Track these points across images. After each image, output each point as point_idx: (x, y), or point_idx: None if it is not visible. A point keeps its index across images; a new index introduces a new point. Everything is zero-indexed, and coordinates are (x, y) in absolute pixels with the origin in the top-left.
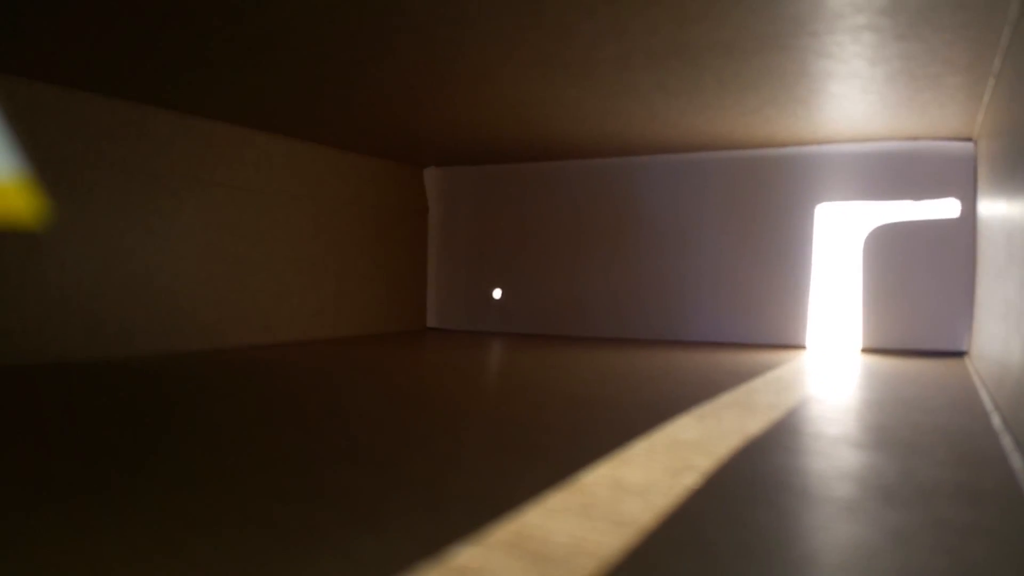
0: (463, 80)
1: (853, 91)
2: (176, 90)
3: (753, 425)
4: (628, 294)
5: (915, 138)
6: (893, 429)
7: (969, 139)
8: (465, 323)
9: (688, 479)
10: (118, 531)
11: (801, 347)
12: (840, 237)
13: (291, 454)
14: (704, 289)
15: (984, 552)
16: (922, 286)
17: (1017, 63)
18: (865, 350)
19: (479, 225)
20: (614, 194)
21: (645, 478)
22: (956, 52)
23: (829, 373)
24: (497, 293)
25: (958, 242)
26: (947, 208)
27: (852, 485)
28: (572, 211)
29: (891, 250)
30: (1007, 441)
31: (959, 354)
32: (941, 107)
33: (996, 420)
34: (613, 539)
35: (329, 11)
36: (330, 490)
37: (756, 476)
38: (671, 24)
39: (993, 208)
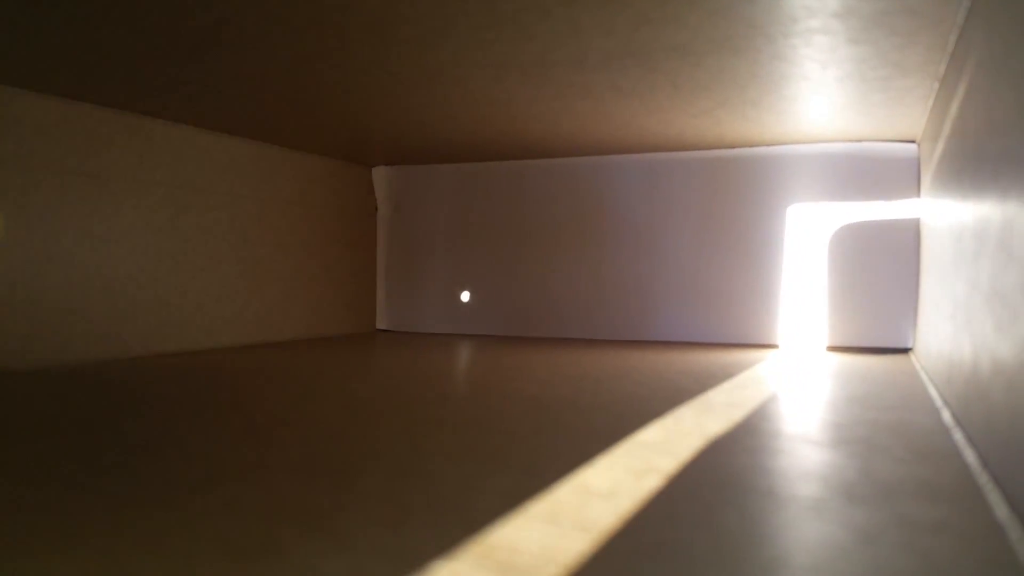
0: (415, 79)
1: (803, 93)
2: (114, 87)
3: (713, 425)
4: (588, 294)
5: (860, 140)
6: (850, 426)
7: (912, 141)
8: (416, 325)
9: (652, 481)
10: (63, 553)
11: (772, 346)
12: (797, 237)
13: (242, 466)
14: (668, 288)
15: (950, 549)
16: (872, 285)
17: (961, 67)
18: (830, 348)
19: (430, 225)
20: (572, 194)
21: (609, 481)
22: (906, 55)
23: (786, 372)
24: (465, 296)
25: (902, 242)
26: (891, 209)
27: (815, 484)
28: (529, 211)
29: (842, 250)
30: (959, 436)
31: (904, 350)
32: (888, 109)
33: (947, 416)
34: (582, 545)
35: (275, 6)
36: (288, 504)
37: (720, 477)
38: (626, 26)
39: (937, 209)
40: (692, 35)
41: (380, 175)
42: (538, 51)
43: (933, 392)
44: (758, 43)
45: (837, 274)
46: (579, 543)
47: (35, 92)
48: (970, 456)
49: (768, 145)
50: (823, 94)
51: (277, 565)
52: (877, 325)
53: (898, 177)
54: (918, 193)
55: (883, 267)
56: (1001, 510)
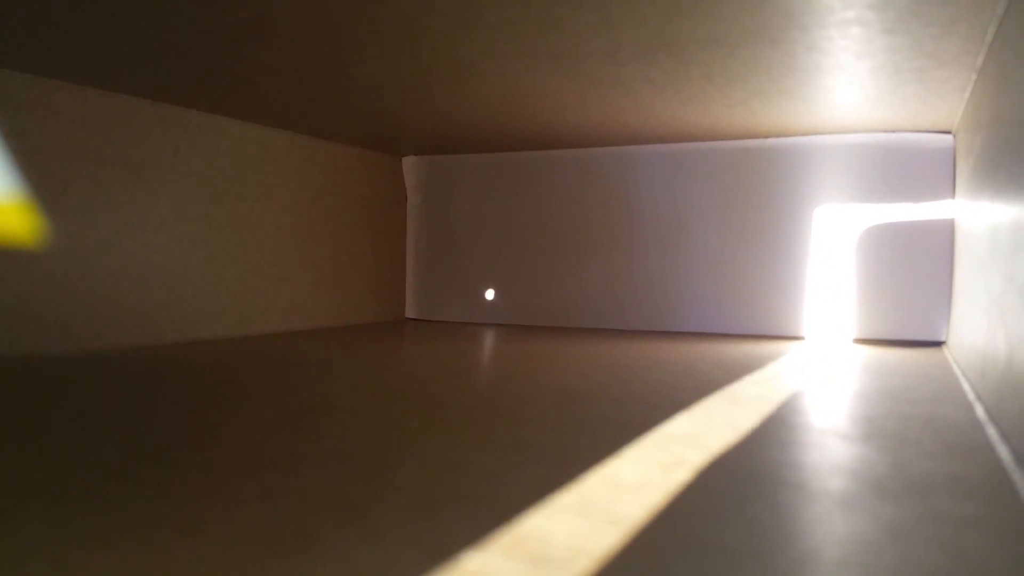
0: (447, 71)
1: (838, 84)
2: (150, 79)
3: (743, 418)
4: (616, 284)
5: (895, 130)
6: (881, 420)
7: (948, 132)
8: (444, 314)
9: (682, 474)
10: (105, 540)
11: (798, 337)
12: (828, 227)
13: (278, 455)
14: (697, 278)
15: (981, 545)
16: (904, 276)
17: (1001, 58)
18: (857, 340)
19: (459, 215)
20: (600, 184)
21: (639, 474)
22: (942, 46)
23: (814, 364)
24: (490, 294)
25: (937, 232)
26: (925, 199)
27: (846, 478)
28: (557, 201)
29: (875, 240)
30: (992, 432)
31: (937, 344)
32: (923, 100)
33: (980, 411)
34: (612, 538)
35: (309, 0)
36: (322, 494)
37: (750, 470)
38: (660, 17)
39: (973, 201)
40: (726, 26)
41: (410, 165)
42: (570, 43)
43: (966, 386)
44: (793, 34)
45: (869, 265)
46: (609, 536)
47: (74, 84)
48: (1004, 452)
49: (801, 135)
50: (857, 85)
51: (314, 556)
52: (909, 317)
53: (933, 167)
54: (953, 184)
55: (916, 258)
56: None
